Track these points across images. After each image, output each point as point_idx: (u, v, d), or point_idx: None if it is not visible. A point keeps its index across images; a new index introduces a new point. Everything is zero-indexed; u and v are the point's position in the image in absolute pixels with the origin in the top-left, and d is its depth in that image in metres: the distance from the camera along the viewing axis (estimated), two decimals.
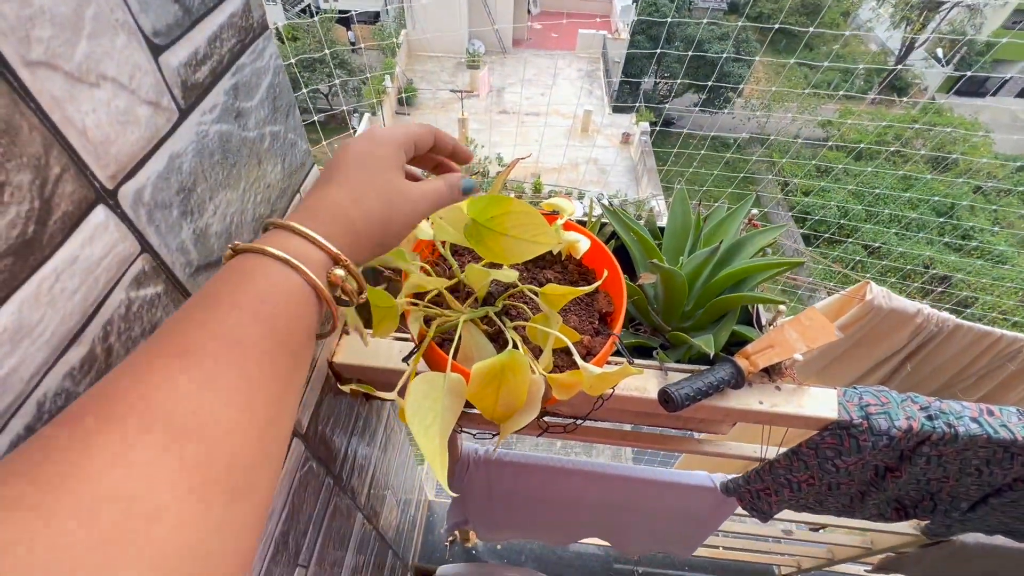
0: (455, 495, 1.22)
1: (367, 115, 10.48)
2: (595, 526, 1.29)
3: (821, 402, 0.71)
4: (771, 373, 0.73)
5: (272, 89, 0.48)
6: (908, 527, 1.07)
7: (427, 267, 0.56)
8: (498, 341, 0.58)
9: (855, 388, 0.73)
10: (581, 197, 8.65)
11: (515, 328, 0.57)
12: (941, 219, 8.97)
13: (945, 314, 0.98)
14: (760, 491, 0.86)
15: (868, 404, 0.70)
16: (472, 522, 1.23)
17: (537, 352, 0.57)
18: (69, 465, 0.19)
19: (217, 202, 0.42)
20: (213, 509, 0.22)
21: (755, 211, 0.86)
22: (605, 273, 0.58)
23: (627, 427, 0.99)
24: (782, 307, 0.74)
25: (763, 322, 0.80)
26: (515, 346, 0.52)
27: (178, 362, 0.24)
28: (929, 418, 0.70)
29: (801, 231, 9.22)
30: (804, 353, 0.71)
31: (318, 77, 11.35)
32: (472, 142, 9.61)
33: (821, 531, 1.36)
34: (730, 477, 0.92)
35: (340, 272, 0.32)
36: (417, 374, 0.57)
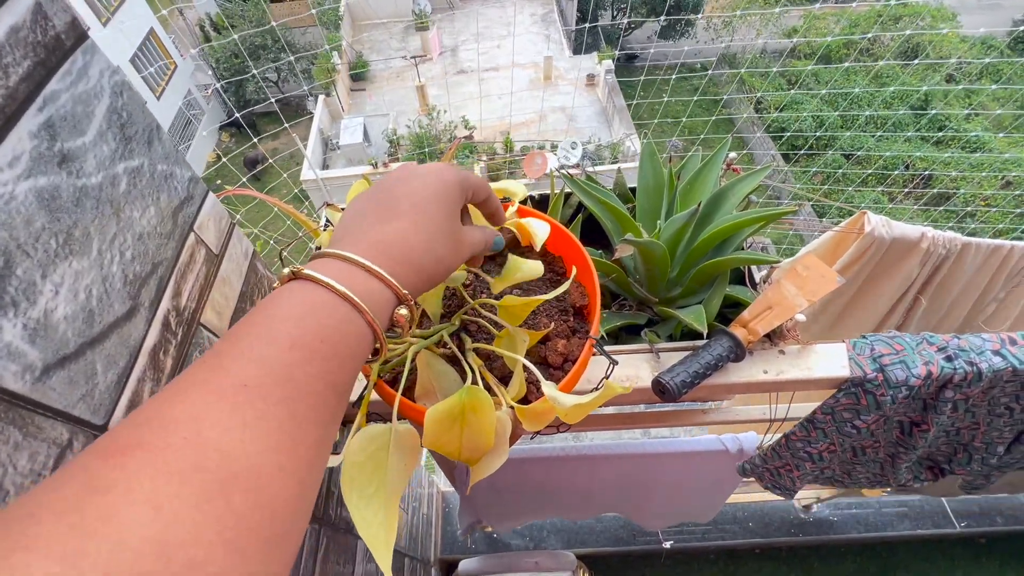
0: (464, 495, 1.16)
1: (321, 97, 10.03)
2: (611, 504, 1.26)
3: (830, 359, 0.65)
4: (772, 337, 0.66)
5: (114, 115, 0.38)
6: None
7: None
8: (461, 364, 0.50)
9: (864, 338, 0.66)
10: (554, 148, 8.43)
11: (476, 350, 0.49)
12: (916, 113, 8.84)
13: (950, 233, 0.91)
14: (779, 468, 0.81)
15: (881, 355, 0.64)
16: (484, 519, 1.19)
17: (504, 373, 0.49)
18: (109, 509, 0.18)
19: (57, 279, 0.33)
20: (249, 561, 0.21)
21: (732, 154, 0.77)
22: (574, 271, 0.50)
23: (626, 409, 0.93)
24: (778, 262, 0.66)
25: (756, 279, 0.72)
26: (475, 379, 0.44)
27: (231, 400, 0.23)
28: (948, 359, 0.63)
29: (781, 151, 9.09)
30: (805, 309, 0.64)
31: (263, 64, 10.78)
32: (434, 108, 9.25)
33: None
34: (744, 447, 0.86)
35: (405, 312, 0.32)
36: (373, 421, 0.50)
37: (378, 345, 0.31)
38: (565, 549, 1.65)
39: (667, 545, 1.66)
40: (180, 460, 0.20)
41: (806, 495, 1.60)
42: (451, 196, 0.35)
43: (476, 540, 1.70)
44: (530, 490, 1.09)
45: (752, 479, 0.99)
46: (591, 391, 0.55)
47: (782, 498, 0.83)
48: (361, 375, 0.48)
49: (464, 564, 1.37)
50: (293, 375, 0.25)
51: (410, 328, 0.34)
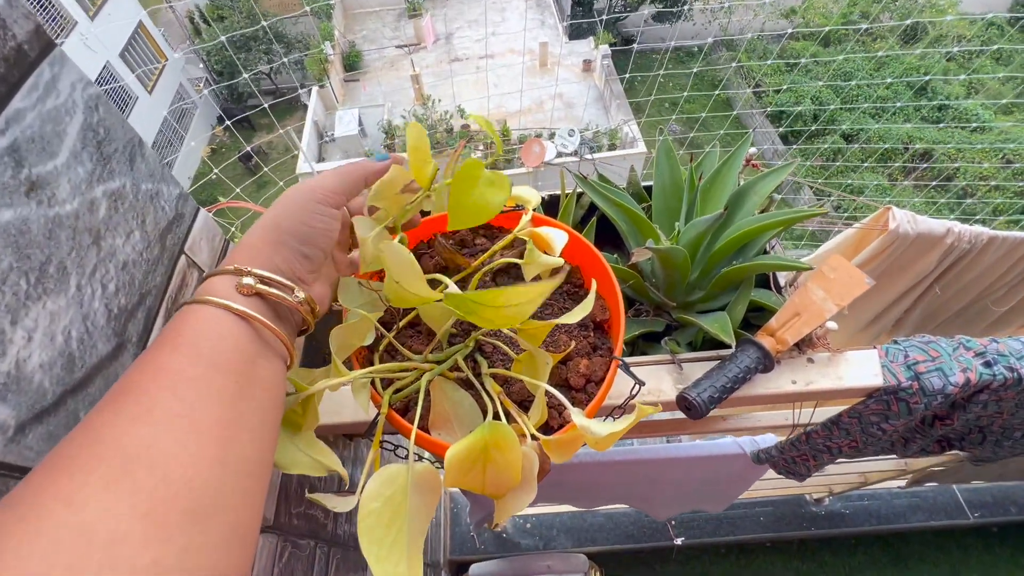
0: (476, 503, 1.13)
1: (315, 88, 9.88)
2: (621, 497, 1.24)
3: (862, 367, 0.62)
4: (800, 345, 0.62)
5: (89, 132, 0.34)
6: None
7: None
8: (475, 388, 0.46)
9: (897, 344, 0.63)
10: (552, 137, 8.35)
11: (493, 375, 0.45)
12: (918, 98, 8.76)
13: (977, 228, 0.87)
14: (796, 458, 0.78)
15: (916, 362, 0.61)
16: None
17: (523, 396, 0.46)
18: (24, 509, 0.21)
19: (30, 324, 0.29)
20: (172, 530, 0.22)
21: (753, 150, 0.73)
22: (594, 285, 0.46)
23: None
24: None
25: (781, 283, 0.69)
26: (496, 414, 0.40)
27: (116, 402, 0.26)
28: (987, 365, 0.60)
29: (778, 131, 9.00)
30: (835, 315, 0.60)
31: (255, 56, 10.61)
32: (429, 98, 9.14)
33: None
34: (762, 447, 0.84)
35: (248, 281, 0.32)
36: (383, 447, 0.46)
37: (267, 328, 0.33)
38: (576, 547, 1.64)
39: (678, 542, 1.65)
40: (81, 457, 0.23)
41: (818, 488, 1.59)
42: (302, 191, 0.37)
43: (485, 541, 1.68)
44: (540, 483, 1.07)
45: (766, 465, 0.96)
46: (615, 409, 0.52)
47: (795, 481, 0.81)
48: (372, 406, 0.45)
49: (476, 568, 1.35)
50: (163, 366, 0.28)
51: (313, 311, 0.37)
